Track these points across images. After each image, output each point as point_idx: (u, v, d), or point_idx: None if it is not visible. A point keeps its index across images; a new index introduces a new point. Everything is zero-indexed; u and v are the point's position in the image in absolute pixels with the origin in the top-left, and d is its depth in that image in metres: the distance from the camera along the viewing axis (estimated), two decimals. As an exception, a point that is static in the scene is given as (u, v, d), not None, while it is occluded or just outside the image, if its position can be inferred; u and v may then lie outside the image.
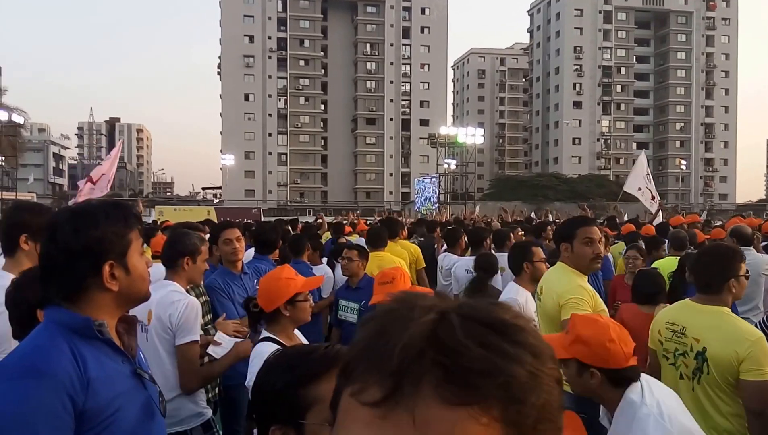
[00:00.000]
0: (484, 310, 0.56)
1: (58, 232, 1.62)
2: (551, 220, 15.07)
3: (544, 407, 0.54)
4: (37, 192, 72.93)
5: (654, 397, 2.10)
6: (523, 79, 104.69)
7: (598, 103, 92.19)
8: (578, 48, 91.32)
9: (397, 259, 6.22)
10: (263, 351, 2.46)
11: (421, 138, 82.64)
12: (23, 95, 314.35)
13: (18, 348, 1.60)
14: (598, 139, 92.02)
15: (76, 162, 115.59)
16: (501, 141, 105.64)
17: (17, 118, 63.07)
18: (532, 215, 18.85)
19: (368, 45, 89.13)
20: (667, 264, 5.78)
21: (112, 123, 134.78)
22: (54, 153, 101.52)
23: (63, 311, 1.59)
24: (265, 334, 2.75)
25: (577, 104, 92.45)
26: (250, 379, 2.23)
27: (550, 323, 3.51)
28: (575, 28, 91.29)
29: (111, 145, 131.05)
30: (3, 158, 64.44)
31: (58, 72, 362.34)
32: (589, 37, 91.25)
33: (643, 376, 2.20)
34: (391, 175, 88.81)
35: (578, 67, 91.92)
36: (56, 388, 1.45)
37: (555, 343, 2.16)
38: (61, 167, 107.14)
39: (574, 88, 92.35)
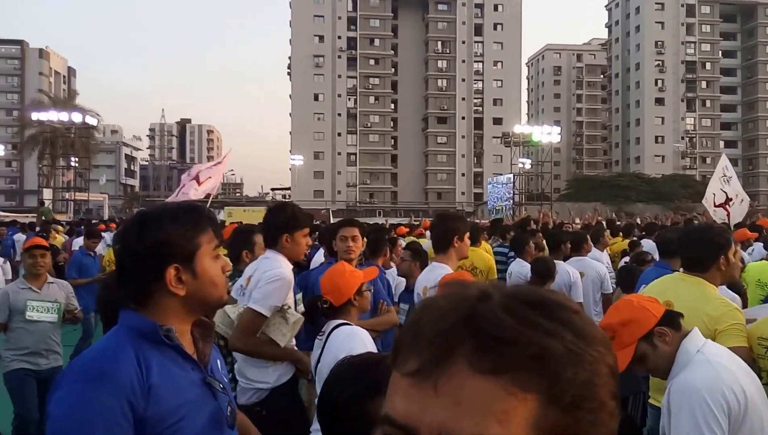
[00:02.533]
0: (529, 291, 0.57)
1: (126, 234, 1.64)
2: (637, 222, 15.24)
3: (585, 385, 0.53)
4: (109, 193, 74.46)
5: (708, 348, 2.26)
6: (602, 76, 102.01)
7: (682, 100, 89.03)
8: (660, 43, 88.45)
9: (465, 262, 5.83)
10: (355, 332, 2.70)
11: (494, 137, 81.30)
12: (96, 97, 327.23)
13: (88, 350, 1.62)
14: (682, 138, 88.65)
15: (147, 163, 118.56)
16: (579, 139, 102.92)
17: (90, 120, 64.93)
18: (614, 216, 18.31)
19: (439, 43, 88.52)
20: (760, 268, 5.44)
21: (183, 124, 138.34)
22: (126, 154, 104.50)
23: (133, 315, 1.60)
24: (338, 321, 2.82)
25: (660, 101, 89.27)
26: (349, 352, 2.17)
27: None
28: (656, 22, 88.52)
29: (182, 146, 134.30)
30: (76, 159, 66.40)
31: (130, 74, 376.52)
32: (671, 32, 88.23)
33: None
34: (463, 175, 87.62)
35: (660, 62, 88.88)
36: (116, 392, 1.45)
37: (619, 356, 2.23)
38: (132, 168, 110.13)
39: (656, 84, 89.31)
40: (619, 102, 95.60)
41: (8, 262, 9.66)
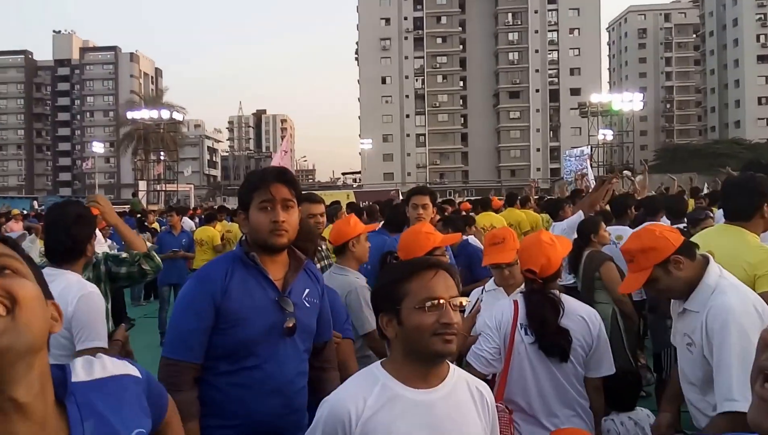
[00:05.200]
0: None
1: None
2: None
3: None
4: (194, 183, 79.74)
5: (726, 273, 2.49)
6: (694, 36, 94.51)
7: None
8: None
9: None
10: None
11: (571, 109, 78.34)
12: (181, 94, 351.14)
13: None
14: (790, 97, 79.93)
15: (227, 154, 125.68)
16: (668, 106, 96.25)
17: (177, 116, 70.63)
18: (706, 188, 16.05)
19: (510, 14, 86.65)
20: None
21: (258, 115, 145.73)
22: (208, 147, 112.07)
23: (238, 246, 2.39)
24: None
25: (762, 59, 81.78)
26: None
27: None
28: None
29: (258, 136, 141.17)
30: (165, 153, 72.03)
31: (210, 69, 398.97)
32: (775, -20, 79.83)
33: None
34: (538, 150, 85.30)
35: (762, 16, 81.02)
36: (205, 288, 2.24)
37: (631, 277, 2.58)
38: (214, 160, 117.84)
39: (758, 40, 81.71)
40: (714, 63, 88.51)
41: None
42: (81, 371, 0.97)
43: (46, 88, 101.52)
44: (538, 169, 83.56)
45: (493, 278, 3.54)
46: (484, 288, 3.62)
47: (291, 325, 2.28)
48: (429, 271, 1.73)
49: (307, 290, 2.41)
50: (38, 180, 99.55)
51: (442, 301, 1.68)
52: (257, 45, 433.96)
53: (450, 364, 1.81)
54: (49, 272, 2.64)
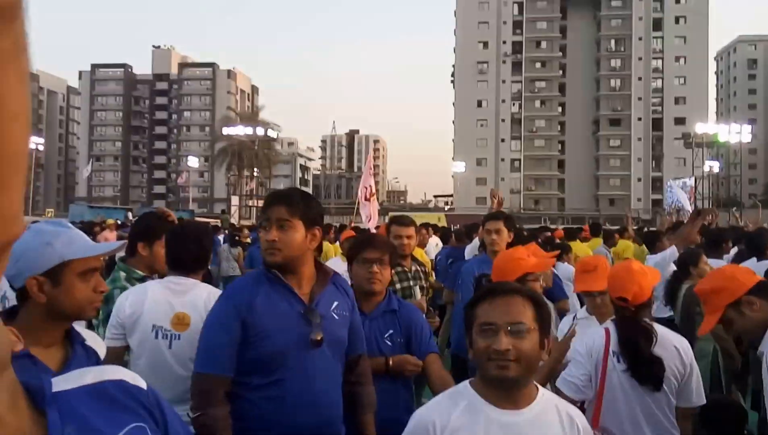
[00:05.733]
0: None
1: None
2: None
3: None
4: (286, 201, 79.72)
5: None
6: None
7: None
8: None
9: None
10: None
11: (675, 138, 75.78)
12: (275, 112, 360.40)
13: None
14: None
15: (319, 172, 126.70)
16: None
17: (271, 134, 71.80)
18: None
19: (612, 41, 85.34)
20: None
21: (351, 135, 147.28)
22: (300, 165, 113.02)
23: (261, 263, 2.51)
24: None
25: None
26: None
27: None
28: None
29: (350, 156, 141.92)
30: (258, 170, 72.98)
31: (304, 88, 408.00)
32: None
33: None
34: (639, 180, 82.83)
35: None
36: (230, 303, 2.36)
37: (705, 319, 2.65)
38: (306, 177, 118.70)
39: None
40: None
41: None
42: (62, 381, 0.95)
43: (144, 102, 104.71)
44: (639, 199, 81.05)
45: (585, 306, 3.56)
46: (575, 315, 3.66)
47: (319, 337, 2.31)
48: (493, 296, 1.77)
49: (335, 303, 2.46)
50: (133, 191, 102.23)
51: (494, 326, 1.70)
52: (352, 65, 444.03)
53: (539, 387, 1.83)
54: (180, 281, 2.90)
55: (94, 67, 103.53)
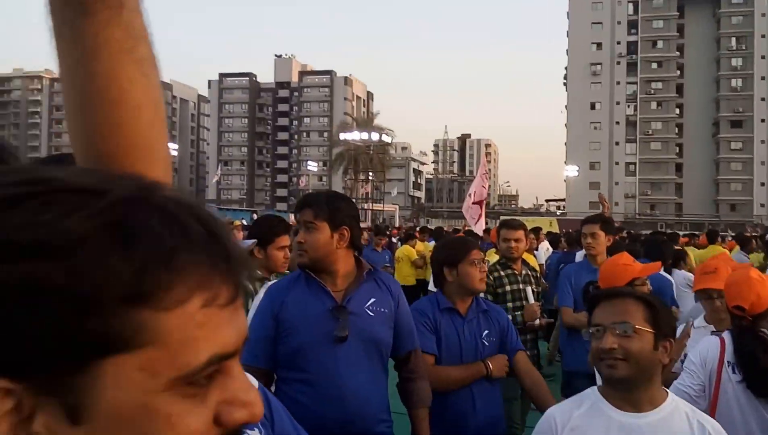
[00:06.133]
0: None
1: None
2: None
3: None
4: (399, 204, 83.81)
5: None
6: None
7: None
8: None
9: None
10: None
11: (804, 141, 73.13)
12: (389, 117, 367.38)
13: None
14: None
15: (431, 176, 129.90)
16: None
17: (386, 138, 75.33)
18: None
19: (733, 39, 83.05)
20: None
21: (463, 139, 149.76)
22: (413, 169, 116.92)
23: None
24: None
25: None
26: None
27: None
28: None
29: (462, 160, 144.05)
30: (373, 174, 76.97)
31: (416, 94, 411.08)
32: None
33: None
34: (762, 184, 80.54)
35: None
36: (267, 301, 2.51)
37: None
38: (419, 181, 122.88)
39: None
40: None
41: None
42: None
43: (267, 109, 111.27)
44: (762, 205, 79.08)
45: (703, 315, 3.42)
46: (691, 323, 3.40)
47: (344, 333, 2.39)
48: (602, 300, 1.91)
49: (372, 299, 2.52)
50: (257, 194, 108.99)
51: (601, 327, 1.82)
52: (464, 70, 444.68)
53: (669, 392, 1.89)
54: None
55: (222, 76, 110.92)
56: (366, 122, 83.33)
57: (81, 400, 0.43)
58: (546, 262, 9.63)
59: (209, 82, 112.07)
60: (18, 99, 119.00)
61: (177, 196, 0.47)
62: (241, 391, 0.49)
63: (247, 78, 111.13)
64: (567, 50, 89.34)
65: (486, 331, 3.10)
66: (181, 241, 0.44)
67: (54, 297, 0.41)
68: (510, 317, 3.76)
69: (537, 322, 4.31)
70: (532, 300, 4.40)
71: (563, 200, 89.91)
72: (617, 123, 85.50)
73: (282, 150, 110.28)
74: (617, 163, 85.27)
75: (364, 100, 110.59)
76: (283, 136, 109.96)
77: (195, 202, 0.48)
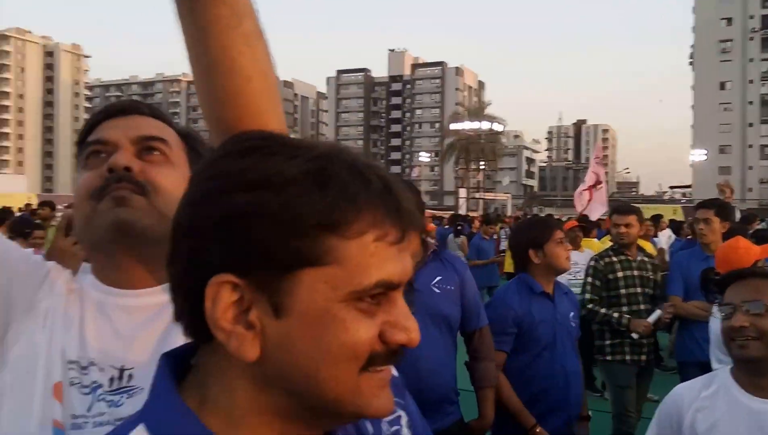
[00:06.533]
0: None
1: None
2: None
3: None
4: (512, 193, 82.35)
5: None
6: None
7: None
8: None
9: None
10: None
11: None
12: (501, 106, 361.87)
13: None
14: None
15: (545, 164, 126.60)
16: None
17: (497, 127, 74.34)
18: None
19: None
20: None
21: (578, 125, 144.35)
22: (526, 157, 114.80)
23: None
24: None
25: None
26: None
27: None
28: None
29: (577, 146, 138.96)
30: (485, 163, 76.16)
31: (529, 81, 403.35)
32: None
33: None
34: None
35: None
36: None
37: None
38: (531, 170, 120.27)
39: None
40: None
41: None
42: None
43: (381, 102, 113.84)
44: None
45: None
46: None
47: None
48: (732, 281, 1.85)
49: (438, 278, 2.68)
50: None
51: (731, 306, 1.77)
52: (577, 54, 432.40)
53: None
54: None
55: (339, 72, 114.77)
56: (477, 111, 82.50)
57: (283, 299, 0.57)
58: (668, 249, 9.25)
59: (327, 78, 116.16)
60: (160, 101, 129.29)
61: (363, 156, 0.61)
62: (402, 317, 0.60)
63: (362, 73, 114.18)
64: (693, 28, 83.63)
65: (572, 313, 3.19)
66: (363, 189, 0.57)
67: (270, 219, 0.55)
68: (617, 305, 4.36)
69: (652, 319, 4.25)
70: (652, 319, 4.26)
71: (689, 187, 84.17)
72: (750, 103, 78.90)
73: (395, 142, 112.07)
74: (750, 146, 78.75)
75: (475, 90, 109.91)
76: (396, 128, 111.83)
77: (376, 163, 0.62)
